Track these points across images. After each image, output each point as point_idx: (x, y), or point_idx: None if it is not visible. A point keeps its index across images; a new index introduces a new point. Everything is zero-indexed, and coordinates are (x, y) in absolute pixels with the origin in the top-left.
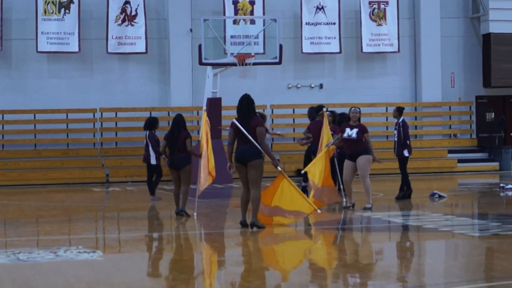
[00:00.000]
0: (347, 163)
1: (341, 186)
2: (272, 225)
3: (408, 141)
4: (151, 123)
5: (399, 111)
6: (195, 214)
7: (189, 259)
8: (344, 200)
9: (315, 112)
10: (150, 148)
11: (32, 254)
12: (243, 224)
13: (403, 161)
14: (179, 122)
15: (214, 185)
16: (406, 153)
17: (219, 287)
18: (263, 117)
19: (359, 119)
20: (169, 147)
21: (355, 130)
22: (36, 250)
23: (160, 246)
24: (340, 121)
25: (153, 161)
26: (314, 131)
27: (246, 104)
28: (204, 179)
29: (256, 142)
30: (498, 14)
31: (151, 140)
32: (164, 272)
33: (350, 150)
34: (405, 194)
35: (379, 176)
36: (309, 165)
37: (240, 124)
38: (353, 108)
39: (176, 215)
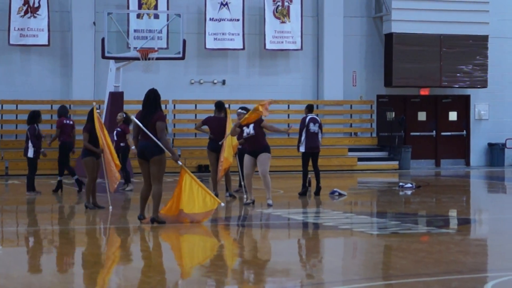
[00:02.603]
0: (247, 158)
1: (242, 182)
2: (173, 221)
3: (302, 137)
4: (33, 117)
5: (307, 108)
6: (110, 207)
7: (89, 254)
8: (245, 196)
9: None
10: (30, 142)
11: None
12: (141, 218)
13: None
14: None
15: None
16: (300, 148)
17: (118, 282)
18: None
19: None
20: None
21: (251, 126)
22: None
23: (59, 240)
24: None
25: (29, 154)
26: (216, 127)
27: (153, 98)
28: (113, 173)
29: (156, 137)
30: (400, 14)
31: (30, 134)
32: (63, 267)
33: (251, 147)
34: (304, 191)
35: (279, 173)
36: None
37: (144, 119)
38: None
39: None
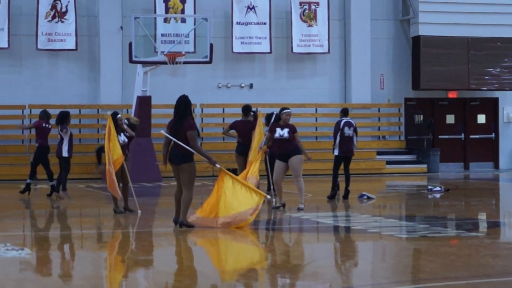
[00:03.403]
0: (278, 163)
1: (272, 186)
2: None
3: (336, 141)
4: (63, 117)
5: (342, 111)
6: (139, 211)
7: (118, 258)
8: (274, 200)
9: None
10: (65, 141)
11: None
12: (176, 221)
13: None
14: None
15: (143, 184)
16: (334, 152)
17: (147, 286)
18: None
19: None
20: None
21: (286, 130)
22: None
23: (88, 244)
24: (268, 120)
25: (64, 153)
26: (243, 131)
27: (184, 105)
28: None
29: (189, 145)
30: (427, 17)
31: (63, 133)
32: (92, 271)
33: (282, 150)
34: (332, 194)
35: (308, 177)
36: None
37: (175, 126)
38: (286, 110)
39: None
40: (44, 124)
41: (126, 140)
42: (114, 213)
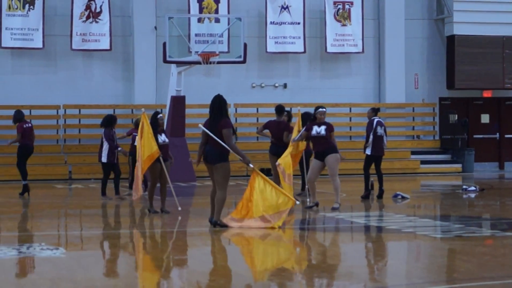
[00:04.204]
0: (314, 162)
1: (307, 186)
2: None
3: (369, 140)
4: (109, 121)
5: (374, 110)
6: (179, 208)
7: (152, 257)
8: (308, 199)
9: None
10: (105, 146)
11: None
12: (212, 221)
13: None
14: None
15: (177, 183)
16: (366, 151)
17: (181, 286)
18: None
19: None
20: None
21: (323, 127)
22: None
23: (123, 244)
24: (304, 120)
25: (103, 159)
26: (277, 131)
27: (218, 105)
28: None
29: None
30: (462, 16)
31: (106, 138)
32: (127, 270)
33: (319, 148)
34: (366, 194)
35: (343, 177)
36: (281, 158)
37: (210, 125)
38: (320, 109)
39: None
40: (25, 125)
41: (167, 140)
42: (148, 213)
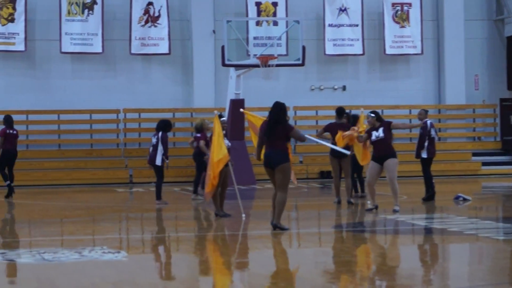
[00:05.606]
0: (372, 165)
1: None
2: (297, 227)
3: (425, 143)
4: (166, 125)
5: (425, 112)
6: (243, 215)
7: (214, 260)
8: (368, 202)
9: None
10: (159, 149)
11: (57, 254)
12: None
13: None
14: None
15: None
16: (423, 154)
17: None
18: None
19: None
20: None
21: (381, 129)
22: (61, 250)
23: (184, 247)
24: (353, 122)
25: (158, 162)
26: (336, 132)
27: (277, 112)
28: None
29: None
30: None
31: (163, 141)
32: (188, 273)
33: (378, 152)
34: (429, 196)
35: (403, 179)
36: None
37: (269, 130)
38: (369, 114)
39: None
40: (8, 131)
41: (230, 144)
42: (215, 216)
